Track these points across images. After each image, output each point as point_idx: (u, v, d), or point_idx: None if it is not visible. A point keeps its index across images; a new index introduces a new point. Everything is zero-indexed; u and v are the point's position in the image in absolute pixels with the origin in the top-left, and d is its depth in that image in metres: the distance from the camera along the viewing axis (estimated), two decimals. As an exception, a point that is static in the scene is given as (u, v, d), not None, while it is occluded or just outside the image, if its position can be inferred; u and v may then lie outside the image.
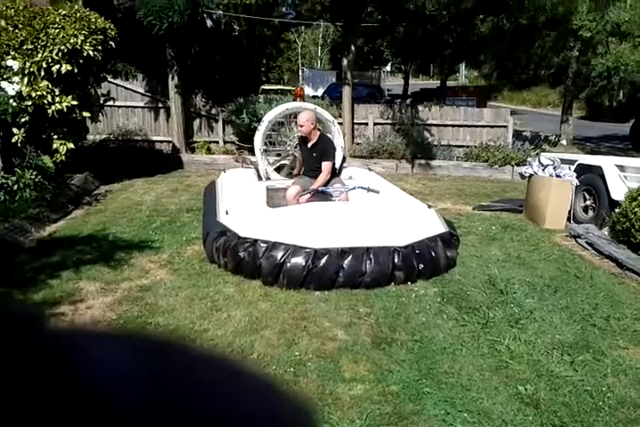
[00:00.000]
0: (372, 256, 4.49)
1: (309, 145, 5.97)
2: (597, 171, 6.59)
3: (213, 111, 11.61)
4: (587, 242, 5.80)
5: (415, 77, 41.62)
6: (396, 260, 4.54)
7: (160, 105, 11.48)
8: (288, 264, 4.42)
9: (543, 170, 6.85)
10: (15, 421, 0.26)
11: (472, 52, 18.34)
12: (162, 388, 0.30)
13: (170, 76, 10.88)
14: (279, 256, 4.43)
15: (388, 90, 27.70)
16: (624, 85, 26.65)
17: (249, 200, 5.66)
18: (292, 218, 4.97)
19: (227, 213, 5.16)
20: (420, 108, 12.13)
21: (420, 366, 3.33)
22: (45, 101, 7.12)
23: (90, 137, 9.93)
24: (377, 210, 5.25)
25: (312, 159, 5.99)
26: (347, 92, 11.17)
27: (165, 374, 0.31)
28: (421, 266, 4.62)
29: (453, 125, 11.94)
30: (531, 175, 7.04)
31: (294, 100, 7.42)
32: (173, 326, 3.76)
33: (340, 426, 2.68)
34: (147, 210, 7.08)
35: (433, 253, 4.77)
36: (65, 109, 7.28)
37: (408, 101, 17.66)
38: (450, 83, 28.52)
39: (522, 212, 7.28)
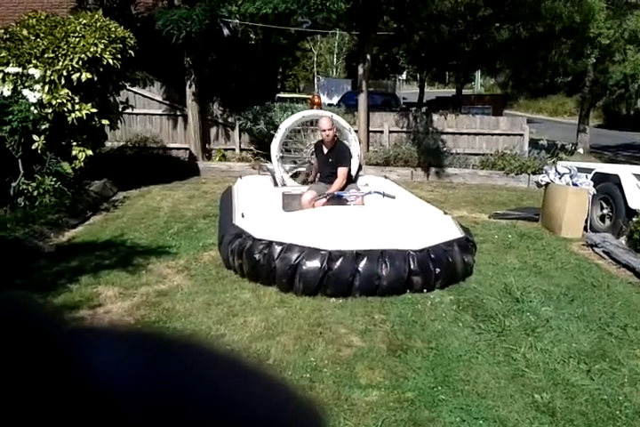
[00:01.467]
0: (387, 259, 4.44)
1: (326, 151, 5.98)
2: (615, 179, 6.56)
3: (230, 119, 11.71)
4: (604, 251, 5.77)
5: (431, 86, 41.61)
6: (411, 264, 4.47)
7: (177, 113, 11.59)
8: (303, 266, 4.39)
9: (560, 178, 6.83)
10: (18, 417, 0.27)
11: (488, 59, 18.30)
12: (173, 390, 0.30)
13: (187, 84, 10.99)
14: (294, 258, 4.42)
15: (404, 98, 27.70)
16: (642, 94, 26.51)
17: (265, 204, 5.69)
18: (307, 220, 4.98)
19: (242, 215, 5.18)
20: (436, 116, 12.13)
21: (435, 373, 3.33)
22: (65, 109, 7.23)
23: (108, 144, 10.05)
24: (392, 214, 5.22)
25: (328, 165, 6.00)
26: (362, 100, 11.21)
27: (178, 375, 0.31)
28: (438, 270, 4.55)
29: (469, 134, 11.93)
30: (547, 184, 7.02)
31: (311, 107, 7.52)
32: (190, 331, 3.79)
33: (355, 432, 2.69)
34: (164, 216, 7.16)
35: (449, 258, 4.70)
36: (84, 117, 7.38)
37: (423, 109, 17.66)
38: (465, 91, 28.48)
39: (538, 220, 7.26)
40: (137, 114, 11.28)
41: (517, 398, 3.09)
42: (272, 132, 10.97)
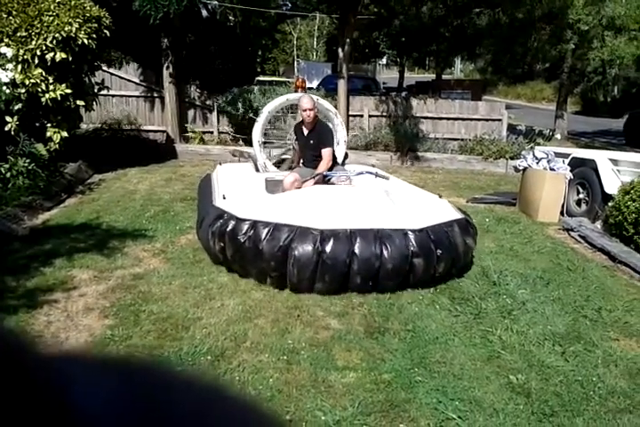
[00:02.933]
0: (385, 240, 4.08)
1: (306, 133, 5.63)
2: (591, 164, 6.62)
3: (208, 102, 11.57)
4: (579, 235, 5.83)
5: (411, 71, 41.57)
6: (411, 244, 4.12)
7: (154, 95, 11.43)
8: (295, 249, 4.02)
9: (537, 163, 6.87)
10: None
11: (468, 45, 18.30)
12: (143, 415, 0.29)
13: (165, 65, 10.82)
14: (283, 238, 4.05)
15: (384, 83, 27.64)
16: (618, 81, 26.75)
17: (248, 188, 5.42)
18: (296, 200, 4.68)
19: (224, 197, 4.87)
20: (415, 101, 12.12)
21: (412, 355, 3.35)
22: (39, 89, 7.07)
23: (83, 126, 9.90)
24: (387, 193, 4.89)
25: (310, 148, 5.65)
26: (342, 84, 11.13)
27: (147, 400, 0.30)
28: (439, 252, 4.21)
29: (448, 118, 11.94)
30: (525, 168, 7.06)
31: (295, 91, 7.26)
32: (166, 314, 3.76)
33: (332, 413, 2.69)
34: (140, 199, 7.07)
35: (450, 239, 4.38)
36: (59, 98, 7.23)
37: (403, 94, 17.64)
38: (445, 76, 28.50)
39: (515, 205, 7.31)
40: (113, 95, 11.10)
41: (493, 379, 3.12)
42: (251, 115, 10.92)
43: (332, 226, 4.12)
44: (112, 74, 10.92)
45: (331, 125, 6.24)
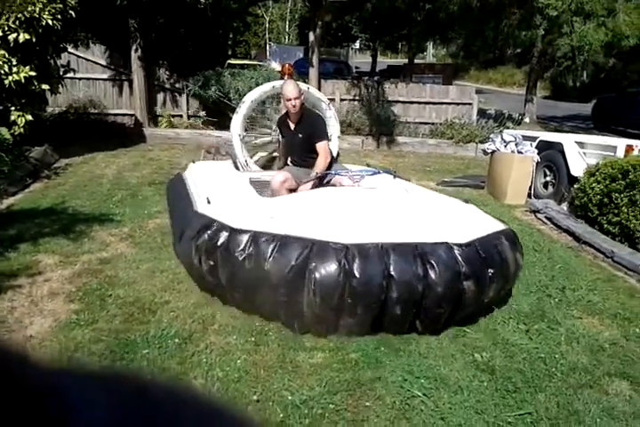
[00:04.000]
0: (428, 256, 3.16)
1: (293, 126, 4.79)
2: (558, 147, 6.71)
3: (178, 85, 11.42)
4: (546, 216, 5.93)
5: (383, 55, 41.49)
6: (460, 263, 3.22)
7: (122, 77, 11.23)
8: (314, 269, 3.07)
9: (505, 146, 6.94)
10: None
11: (440, 29, 18.32)
12: None
13: (133, 47, 10.63)
14: (295, 256, 3.12)
15: (357, 67, 27.55)
16: (587, 66, 27.06)
17: (235, 190, 4.56)
18: (306, 204, 3.75)
19: (208, 201, 4.03)
20: (387, 84, 12.12)
21: (378, 335, 3.37)
22: (2, 71, 6.91)
23: (49, 109, 9.70)
24: (415, 197, 4.02)
25: (299, 144, 4.79)
26: (313, 66, 11.07)
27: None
28: (491, 271, 3.38)
29: (419, 102, 11.98)
30: (493, 151, 7.13)
31: (282, 78, 6.08)
32: (133, 298, 3.73)
33: (299, 393, 2.71)
34: (108, 183, 6.98)
35: (501, 255, 3.54)
36: (23, 80, 7.06)
37: (376, 78, 17.63)
38: (418, 61, 28.52)
39: (484, 188, 7.39)
40: (79, 78, 10.89)
41: (458, 357, 3.16)
42: (222, 98, 10.82)
43: (359, 239, 3.19)
44: (78, 56, 10.69)
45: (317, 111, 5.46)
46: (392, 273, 3.06)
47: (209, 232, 3.47)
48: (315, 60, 11.06)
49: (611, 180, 5.26)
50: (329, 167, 4.64)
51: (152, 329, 3.30)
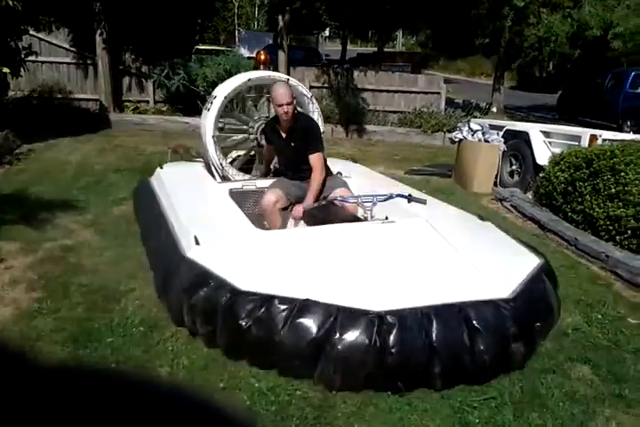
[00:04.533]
0: (475, 320, 2.65)
1: (285, 135, 4.23)
2: (524, 136, 6.78)
3: (144, 69, 11.22)
4: (511, 205, 6.00)
5: (353, 43, 41.37)
6: (510, 323, 2.72)
7: (87, 61, 10.99)
8: (338, 345, 2.53)
9: (472, 135, 7.00)
10: None
11: (409, 19, 18.32)
12: None
13: (97, 31, 10.40)
14: (317, 326, 2.57)
15: (326, 55, 27.46)
16: (554, 57, 27.40)
17: (223, 216, 3.82)
18: (319, 252, 3.06)
19: (197, 242, 3.24)
20: (356, 72, 12.11)
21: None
22: (-41, 53, 6.69)
23: (11, 93, 9.45)
24: (439, 230, 3.29)
25: (292, 154, 4.24)
26: (282, 53, 10.98)
27: None
28: (538, 326, 2.96)
29: (388, 91, 12.00)
30: (460, 140, 7.18)
31: (256, 67, 5.45)
32: (97, 286, 3.66)
33: (266, 380, 2.69)
34: (72, 170, 6.85)
35: (548, 302, 3.12)
36: (-19, 62, 6.86)
37: (345, 66, 17.58)
38: (387, 50, 28.53)
39: (451, 176, 7.45)
40: (42, 62, 10.65)
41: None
42: (189, 86, 10.67)
43: (394, 303, 2.64)
44: (41, 39, 10.45)
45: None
46: (435, 344, 2.55)
47: (206, 290, 2.88)
48: (284, 46, 10.96)
49: (575, 169, 5.33)
50: (323, 181, 4.15)
51: (116, 317, 3.25)
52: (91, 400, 2.49)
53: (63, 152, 7.87)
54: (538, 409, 2.58)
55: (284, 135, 4.23)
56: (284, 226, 4.19)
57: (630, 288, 4.07)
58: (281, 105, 4.00)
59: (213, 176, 4.80)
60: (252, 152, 5.07)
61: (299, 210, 3.95)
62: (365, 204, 3.61)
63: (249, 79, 4.78)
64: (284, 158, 4.38)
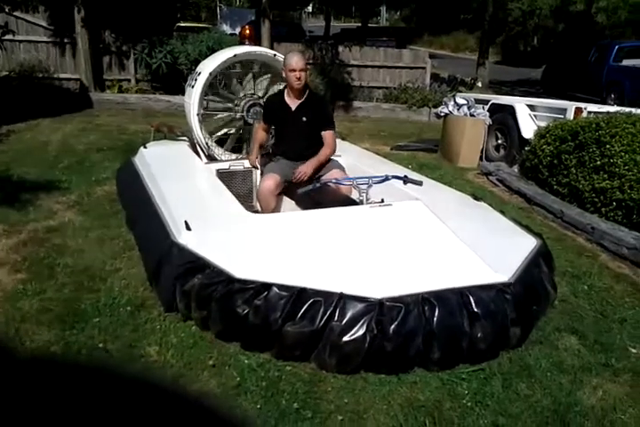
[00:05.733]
0: (476, 305, 2.64)
1: (294, 107, 4.04)
2: (509, 110, 6.76)
3: (124, 48, 11.01)
4: (497, 179, 6.00)
5: (337, 20, 40.92)
6: (510, 308, 2.72)
7: (66, 40, 10.75)
8: (335, 331, 2.51)
9: (458, 109, 6.96)
10: None
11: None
12: None
13: (75, 8, 10.16)
14: (318, 315, 2.53)
15: (310, 31, 27.13)
16: (538, 31, 27.32)
17: (212, 198, 3.80)
18: (317, 238, 3.00)
19: (188, 227, 3.14)
20: (341, 48, 11.99)
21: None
22: None
23: (-12, 73, 9.27)
24: (446, 219, 3.18)
25: (302, 128, 4.04)
26: (265, 29, 10.82)
27: None
28: (535, 308, 2.98)
29: (373, 66, 11.92)
30: (446, 115, 7.14)
31: (241, 43, 5.26)
32: (83, 267, 3.62)
33: (255, 357, 2.68)
34: (54, 150, 6.74)
35: (545, 285, 3.15)
36: (-45, 41, 6.69)
37: (329, 42, 17.41)
38: (371, 25, 28.26)
39: (437, 151, 7.43)
40: (20, 41, 10.46)
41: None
42: (172, 64, 10.50)
43: (394, 290, 2.61)
44: (18, 17, 10.23)
45: None
46: (434, 330, 2.54)
47: (200, 277, 2.82)
48: (267, 21, 10.80)
49: (560, 141, 5.33)
50: (323, 166, 4.04)
51: (103, 297, 3.22)
52: (78, 381, 2.47)
53: (44, 132, 7.75)
54: (526, 380, 2.60)
55: (293, 107, 4.05)
56: (277, 209, 4.13)
57: (616, 259, 4.10)
58: (294, 70, 3.87)
59: (199, 156, 4.69)
60: (240, 131, 4.94)
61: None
62: (361, 186, 3.50)
63: (235, 55, 4.64)
64: (291, 135, 4.13)
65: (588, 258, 4.12)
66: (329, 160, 4.15)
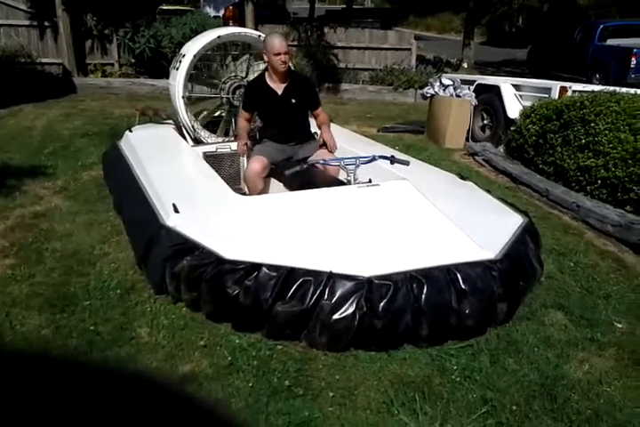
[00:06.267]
0: (463, 282, 2.68)
1: (281, 91, 3.99)
2: (495, 90, 6.76)
3: (107, 31, 10.85)
4: (483, 159, 6.03)
5: (322, 1, 40.54)
6: (497, 284, 2.76)
7: (46, 24, 10.57)
8: (325, 310, 2.54)
9: (444, 90, 6.96)
10: None
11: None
12: None
13: (55, -9, 10.00)
14: (308, 294, 2.56)
15: (294, 13, 26.86)
16: (523, 11, 27.24)
17: (199, 181, 3.83)
18: (304, 218, 3.02)
19: (176, 209, 3.16)
20: (326, 29, 11.91)
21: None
22: None
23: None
24: (433, 198, 3.20)
25: (291, 110, 4.02)
26: (249, 10, 10.73)
27: None
28: (522, 285, 3.02)
29: (359, 48, 11.85)
30: (432, 95, 7.14)
31: (225, 24, 5.19)
32: (71, 251, 3.62)
33: (246, 337, 2.70)
34: (38, 136, 6.69)
35: (531, 261, 3.19)
36: None
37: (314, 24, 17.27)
38: (356, 7, 28.03)
39: (423, 133, 7.43)
40: (0, 25, 10.24)
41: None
42: (155, 48, 10.37)
43: (382, 268, 2.64)
44: (-5, 1, 10.02)
45: None
46: (423, 307, 2.57)
47: (189, 259, 2.82)
48: (250, 3, 10.69)
49: (546, 120, 5.35)
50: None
51: (92, 281, 3.23)
52: (70, 364, 2.49)
53: (28, 118, 7.67)
54: (513, 355, 2.65)
55: (279, 92, 3.99)
56: (265, 191, 4.10)
57: (601, 237, 4.15)
58: (279, 54, 3.80)
59: (185, 139, 4.66)
60: (220, 112, 4.90)
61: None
62: (348, 166, 3.50)
63: (218, 36, 4.57)
64: (279, 118, 4.06)
65: (574, 235, 4.17)
66: (312, 141, 4.20)
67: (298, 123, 4.11)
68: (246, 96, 4.22)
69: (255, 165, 3.94)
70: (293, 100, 3.99)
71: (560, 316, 3.02)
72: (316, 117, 4.23)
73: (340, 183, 3.60)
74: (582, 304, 3.15)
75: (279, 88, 3.99)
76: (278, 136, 4.10)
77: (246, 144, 4.22)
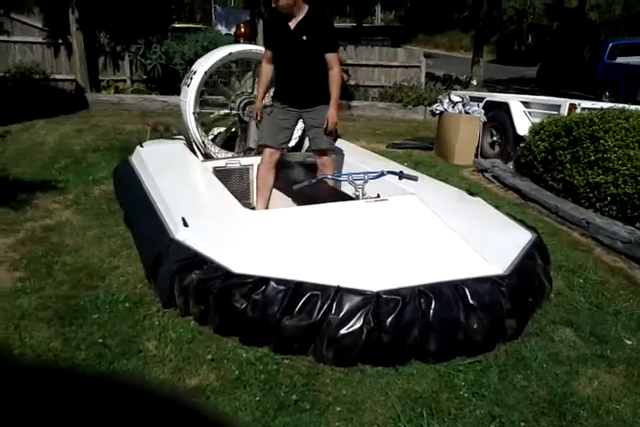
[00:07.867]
0: (472, 297, 2.67)
1: (293, 24, 3.73)
2: (504, 107, 6.79)
3: (119, 48, 11.00)
4: (492, 175, 6.03)
5: (332, 19, 40.87)
6: (505, 299, 2.74)
7: (61, 41, 10.73)
8: (331, 325, 2.53)
9: (453, 107, 6.99)
10: None
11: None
12: None
13: (70, 9, 10.16)
14: (316, 309, 2.55)
15: (304, 31, 27.13)
16: (532, 30, 27.37)
17: (209, 196, 3.91)
18: (313, 234, 3.02)
19: (185, 223, 3.20)
20: (336, 47, 11.99)
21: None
22: None
23: (-17, 75, 9.27)
24: (432, 207, 3.23)
25: (301, 49, 3.75)
26: (260, 28, 10.82)
27: None
28: (531, 301, 2.99)
29: (368, 65, 11.94)
30: (441, 112, 7.16)
31: (236, 41, 5.35)
32: (81, 265, 3.64)
33: (254, 351, 2.70)
34: (50, 151, 6.75)
35: (540, 278, 3.18)
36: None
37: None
38: (366, 25, 28.26)
39: (432, 149, 7.45)
40: (15, 42, 10.45)
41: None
42: (167, 64, 10.50)
43: (390, 283, 2.64)
44: (12, 18, 10.23)
45: None
46: (431, 322, 2.56)
47: (198, 273, 2.84)
48: (261, 21, 10.80)
49: (555, 137, 5.36)
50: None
51: (102, 294, 3.24)
52: (78, 376, 2.49)
53: (40, 133, 7.75)
54: (522, 371, 2.63)
55: (292, 26, 3.73)
56: (273, 184, 4.17)
57: (610, 253, 4.13)
58: None
59: (195, 154, 4.72)
60: (234, 129, 4.98)
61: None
62: (357, 181, 3.50)
63: (230, 53, 4.64)
64: (289, 58, 3.82)
65: (583, 252, 4.16)
66: (327, 106, 3.90)
67: (307, 65, 3.79)
68: (265, 28, 4.17)
69: (263, 157, 4.07)
70: (304, 38, 3.71)
71: (569, 332, 3.00)
72: (329, 69, 3.82)
73: (349, 198, 3.61)
74: (592, 321, 3.13)
75: (292, 22, 3.74)
76: (287, 91, 3.92)
77: (262, 104, 4.10)
